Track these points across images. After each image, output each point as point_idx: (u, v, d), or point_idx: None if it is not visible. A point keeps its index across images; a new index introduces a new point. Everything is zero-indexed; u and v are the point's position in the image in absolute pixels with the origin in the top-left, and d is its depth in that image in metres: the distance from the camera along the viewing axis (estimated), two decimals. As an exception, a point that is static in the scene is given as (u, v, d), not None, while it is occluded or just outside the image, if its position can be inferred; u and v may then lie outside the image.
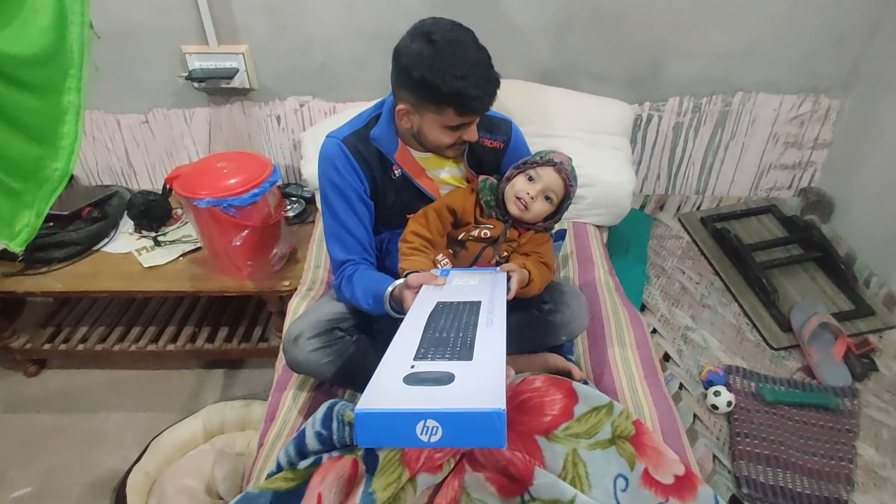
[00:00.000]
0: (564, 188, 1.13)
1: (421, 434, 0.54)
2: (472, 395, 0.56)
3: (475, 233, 1.17)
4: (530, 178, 1.12)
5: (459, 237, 1.18)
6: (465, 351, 0.67)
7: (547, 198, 1.12)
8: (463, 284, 1.00)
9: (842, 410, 1.36)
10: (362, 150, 1.15)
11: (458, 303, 0.88)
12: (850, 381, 1.43)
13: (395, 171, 1.17)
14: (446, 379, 0.60)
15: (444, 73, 0.98)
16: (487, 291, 0.94)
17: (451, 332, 0.75)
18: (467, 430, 0.54)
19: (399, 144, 1.16)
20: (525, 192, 1.11)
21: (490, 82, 1.02)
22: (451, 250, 1.19)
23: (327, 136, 1.17)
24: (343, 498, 0.90)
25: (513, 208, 1.13)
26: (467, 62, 0.98)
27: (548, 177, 1.11)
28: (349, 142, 1.15)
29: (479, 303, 0.88)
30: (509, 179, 1.15)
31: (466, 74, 0.98)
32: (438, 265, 1.17)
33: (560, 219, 1.19)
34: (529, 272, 1.11)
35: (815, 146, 1.99)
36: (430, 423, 0.54)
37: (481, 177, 1.18)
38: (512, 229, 1.18)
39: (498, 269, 1.08)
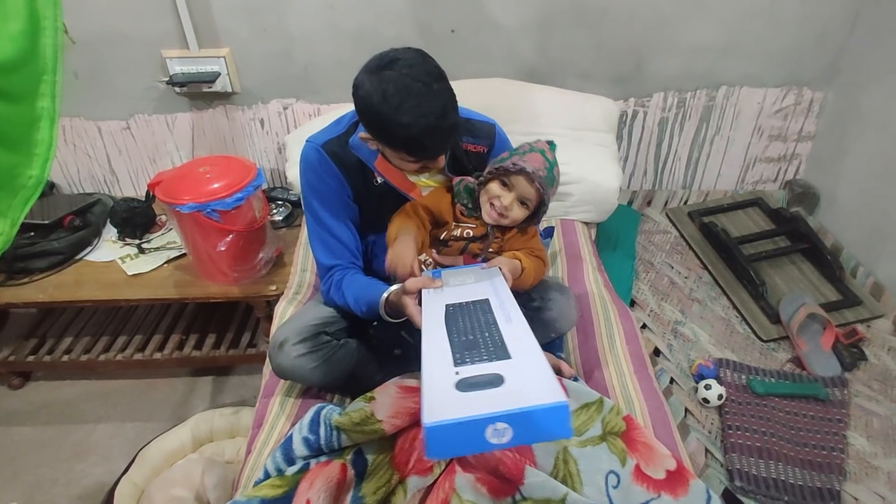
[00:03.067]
0: (537, 196, 1.09)
1: (492, 437, 0.53)
2: (532, 392, 0.55)
3: (457, 232, 1.16)
4: (504, 184, 1.10)
5: (441, 237, 1.17)
6: (499, 350, 0.66)
7: (522, 203, 1.11)
8: (461, 284, 0.98)
9: (832, 400, 1.36)
10: (342, 156, 1.13)
11: (467, 303, 0.87)
12: (840, 371, 1.44)
13: (377, 179, 1.15)
14: (497, 380, 0.59)
15: (392, 124, 0.93)
16: (490, 288, 0.93)
17: (475, 334, 0.74)
18: (537, 426, 0.53)
19: (379, 155, 1.14)
20: (499, 199, 1.09)
21: (440, 131, 0.95)
22: (433, 249, 1.17)
23: (307, 141, 1.15)
24: (332, 503, 0.89)
25: (489, 212, 1.11)
26: (416, 112, 0.92)
27: (521, 186, 1.08)
28: (328, 148, 1.13)
29: (486, 300, 0.86)
30: (484, 183, 1.13)
31: (413, 125, 0.92)
32: (423, 266, 1.16)
33: (539, 221, 1.18)
34: (521, 261, 1.10)
35: (799, 138, 2.00)
36: (500, 425, 0.53)
37: (455, 179, 1.16)
38: (497, 230, 1.16)
39: (484, 265, 1.06)
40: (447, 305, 0.86)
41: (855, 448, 1.26)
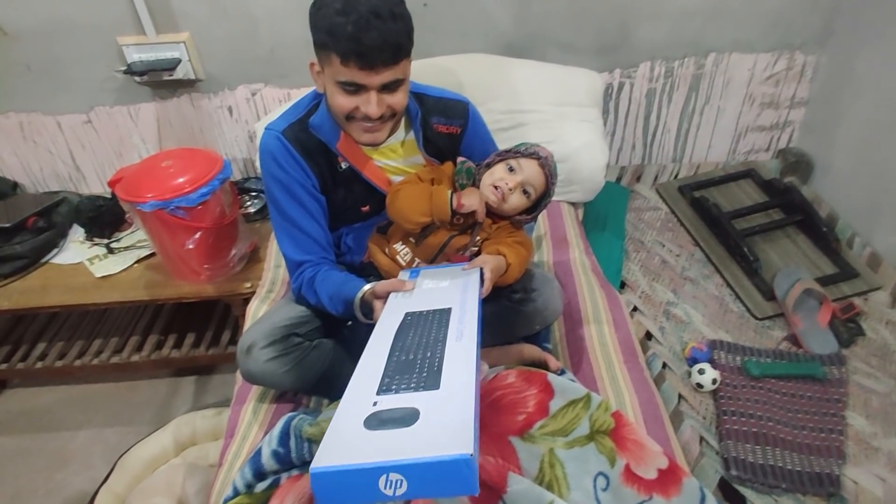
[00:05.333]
0: (545, 184, 1.07)
1: (385, 489, 0.47)
2: (437, 439, 0.49)
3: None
4: (511, 169, 1.06)
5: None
6: (431, 377, 0.61)
7: (525, 192, 1.06)
8: (434, 287, 0.93)
9: (829, 380, 1.31)
10: (304, 141, 1.05)
11: (428, 312, 0.82)
12: (837, 348, 1.39)
13: (341, 164, 1.08)
14: (410, 418, 0.53)
15: (329, 8, 0.90)
16: (459, 294, 0.88)
17: (417, 353, 0.69)
18: (434, 480, 0.48)
19: (341, 134, 1.06)
20: (503, 181, 1.05)
21: (372, 29, 0.88)
22: (412, 240, 1.10)
23: (266, 128, 1.07)
24: (306, 520, 0.84)
25: (489, 196, 1.06)
26: (356, 3, 0.88)
27: (530, 170, 1.05)
28: (289, 134, 1.05)
29: (449, 310, 0.81)
30: (489, 166, 1.08)
31: (348, 11, 0.88)
32: (397, 256, 1.10)
33: (536, 216, 1.13)
34: (506, 257, 1.03)
35: (791, 105, 1.92)
36: (394, 476, 0.48)
37: (460, 159, 1.11)
38: (489, 217, 1.10)
39: (466, 265, 1.00)
40: (406, 314, 0.82)
41: (854, 429, 1.22)
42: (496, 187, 1.05)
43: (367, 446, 0.51)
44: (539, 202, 1.10)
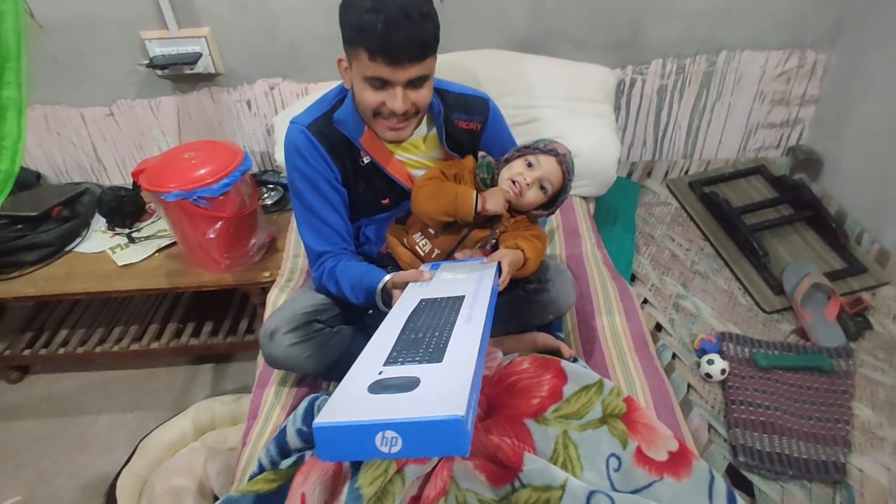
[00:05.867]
0: (563, 180, 1.10)
1: (381, 446, 0.51)
2: (433, 402, 0.53)
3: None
4: (529, 164, 1.09)
5: None
6: (436, 352, 0.64)
7: (542, 187, 1.09)
8: (451, 278, 0.96)
9: (836, 371, 1.34)
10: (328, 135, 1.09)
11: (441, 299, 0.85)
12: (845, 341, 1.41)
13: (364, 158, 1.11)
14: (410, 385, 0.57)
15: (359, 6, 0.93)
16: (474, 285, 0.91)
17: (426, 333, 0.72)
18: (427, 439, 0.51)
19: (365, 129, 1.10)
20: (522, 176, 1.08)
21: (401, 28, 0.91)
22: (431, 231, 1.13)
23: (291, 122, 1.11)
24: (328, 496, 0.87)
25: (507, 191, 1.09)
26: (388, 1, 0.91)
27: (548, 166, 1.08)
28: (315, 128, 1.09)
29: (462, 297, 0.84)
30: (508, 161, 1.11)
31: (378, 10, 0.90)
32: (416, 246, 1.13)
33: (554, 211, 1.16)
34: (524, 251, 1.07)
35: (802, 102, 1.94)
36: (389, 433, 0.51)
37: (480, 154, 1.15)
38: (510, 214, 1.13)
39: (485, 259, 1.03)
40: (422, 300, 0.85)
41: (860, 419, 1.25)
42: (514, 182, 1.08)
43: (367, 407, 0.54)
44: (556, 197, 1.13)
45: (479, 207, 1.05)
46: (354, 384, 0.60)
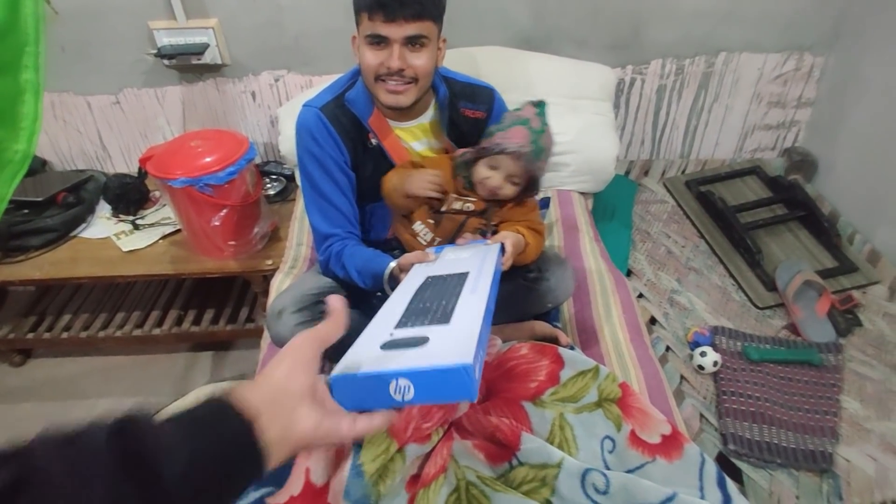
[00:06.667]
0: (527, 170, 1.09)
1: (395, 394, 0.54)
2: (443, 353, 0.56)
3: (458, 205, 1.15)
4: (491, 166, 1.10)
5: (442, 208, 1.16)
6: (444, 317, 0.67)
7: (514, 182, 1.11)
8: (454, 258, 0.99)
9: (826, 366, 1.37)
10: (340, 117, 1.12)
11: (447, 276, 0.88)
12: (835, 337, 1.45)
13: (372, 140, 1.14)
14: (421, 342, 0.60)
15: None
16: (478, 262, 0.93)
17: (434, 302, 0.75)
18: (438, 386, 0.54)
19: (374, 110, 1.13)
20: (489, 180, 1.10)
21: None
22: (431, 220, 1.16)
23: (304, 105, 1.14)
24: (331, 471, 0.90)
25: (482, 191, 1.12)
26: None
27: (506, 166, 1.08)
28: (328, 110, 1.12)
29: (466, 273, 0.87)
30: (471, 164, 1.13)
31: None
32: (418, 236, 1.16)
33: (538, 190, 1.17)
34: (524, 236, 1.10)
35: (798, 105, 1.97)
36: (403, 381, 0.54)
37: (459, 151, 1.16)
38: (496, 205, 1.16)
39: (488, 241, 1.06)
40: (428, 277, 0.88)
41: (848, 412, 1.28)
42: (484, 185, 1.11)
43: (381, 360, 0.58)
44: (532, 183, 1.13)
45: (407, 188, 1.10)
46: (367, 344, 0.63)
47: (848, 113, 1.84)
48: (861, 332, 1.47)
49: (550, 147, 1.12)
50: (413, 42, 1.03)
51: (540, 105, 1.11)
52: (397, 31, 1.00)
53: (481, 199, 1.14)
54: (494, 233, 1.15)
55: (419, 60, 1.05)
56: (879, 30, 1.69)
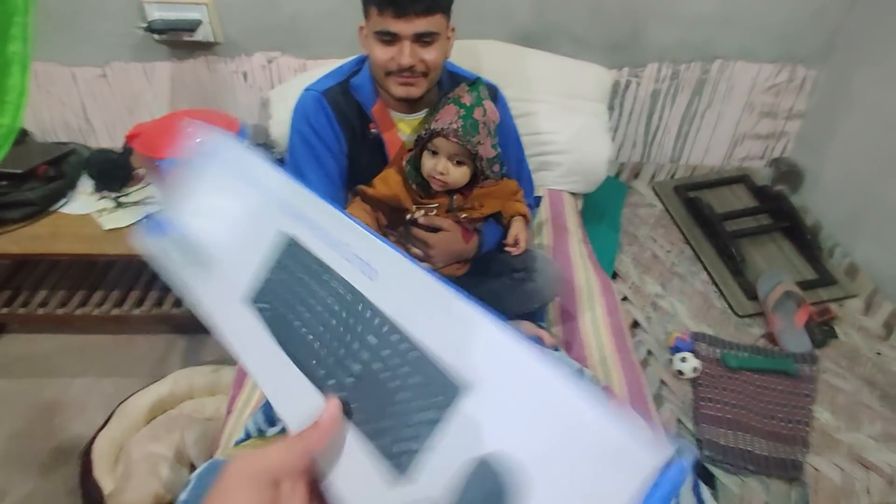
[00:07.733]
0: (466, 148, 1.03)
1: None
2: None
3: (419, 216, 1.11)
4: (433, 153, 1.06)
5: (407, 220, 1.12)
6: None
7: (459, 162, 1.06)
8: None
9: (801, 376, 1.40)
10: (342, 104, 1.11)
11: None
12: (810, 348, 1.48)
13: (372, 130, 1.13)
14: None
15: None
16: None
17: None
18: None
19: (378, 100, 1.12)
20: (434, 169, 1.05)
21: None
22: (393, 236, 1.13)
23: (305, 90, 1.12)
24: (312, 465, 0.90)
25: (435, 185, 1.08)
26: None
27: (443, 147, 1.04)
28: (330, 95, 1.10)
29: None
30: (419, 158, 1.09)
31: None
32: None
33: (497, 161, 1.09)
34: (525, 216, 1.14)
35: (789, 116, 1.99)
36: None
37: (405, 156, 1.11)
38: (458, 194, 1.12)
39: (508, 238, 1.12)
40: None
41: (819, 422, 1.31)
42: (432, 176, 1.07)
43: None
44: (481, 163, 1.06)
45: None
46: None
47: (837, 126, 1.87)
48: (836, 344, 1.51)
49: (492, 122, 1.06)
50: (424, 37, 1.02)
51: (474, 83, 1.08)
52: (408, 27, 0.99)
53: (443, 196, 1.11)
54: (475, 219, 1.14)
55: (430, 55, 1.04)
56: (873, 46, 1.72)
